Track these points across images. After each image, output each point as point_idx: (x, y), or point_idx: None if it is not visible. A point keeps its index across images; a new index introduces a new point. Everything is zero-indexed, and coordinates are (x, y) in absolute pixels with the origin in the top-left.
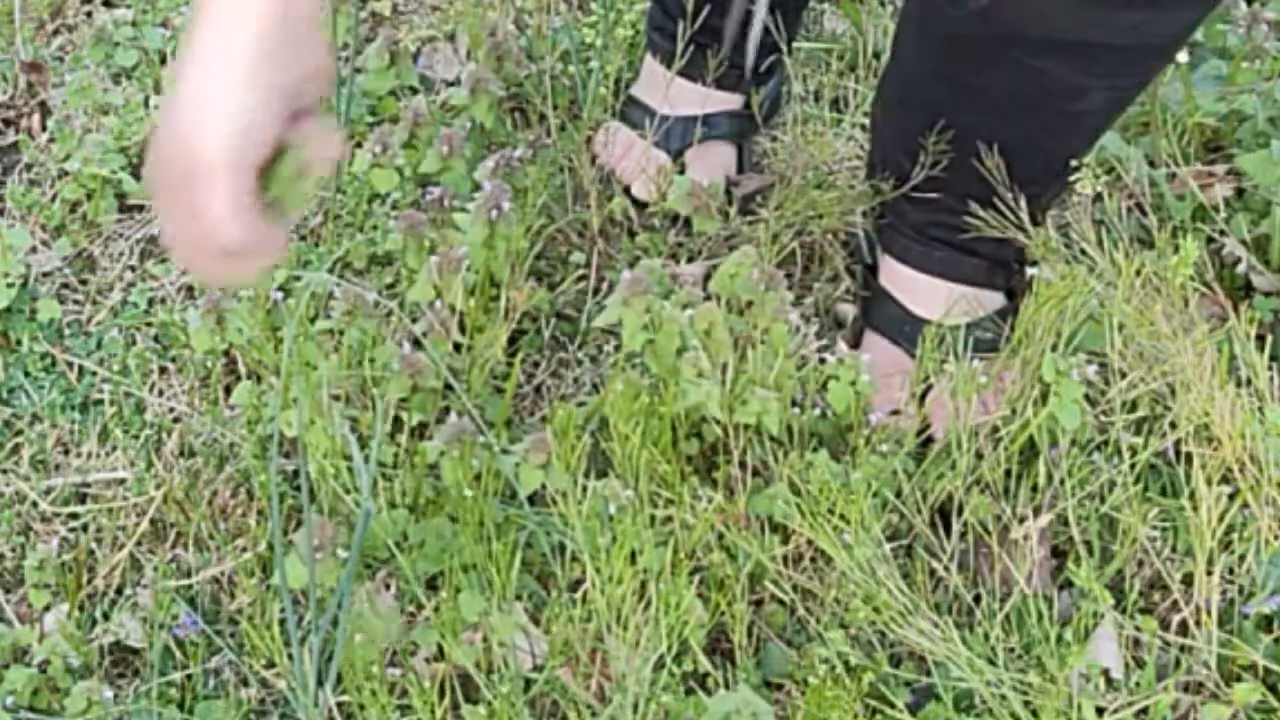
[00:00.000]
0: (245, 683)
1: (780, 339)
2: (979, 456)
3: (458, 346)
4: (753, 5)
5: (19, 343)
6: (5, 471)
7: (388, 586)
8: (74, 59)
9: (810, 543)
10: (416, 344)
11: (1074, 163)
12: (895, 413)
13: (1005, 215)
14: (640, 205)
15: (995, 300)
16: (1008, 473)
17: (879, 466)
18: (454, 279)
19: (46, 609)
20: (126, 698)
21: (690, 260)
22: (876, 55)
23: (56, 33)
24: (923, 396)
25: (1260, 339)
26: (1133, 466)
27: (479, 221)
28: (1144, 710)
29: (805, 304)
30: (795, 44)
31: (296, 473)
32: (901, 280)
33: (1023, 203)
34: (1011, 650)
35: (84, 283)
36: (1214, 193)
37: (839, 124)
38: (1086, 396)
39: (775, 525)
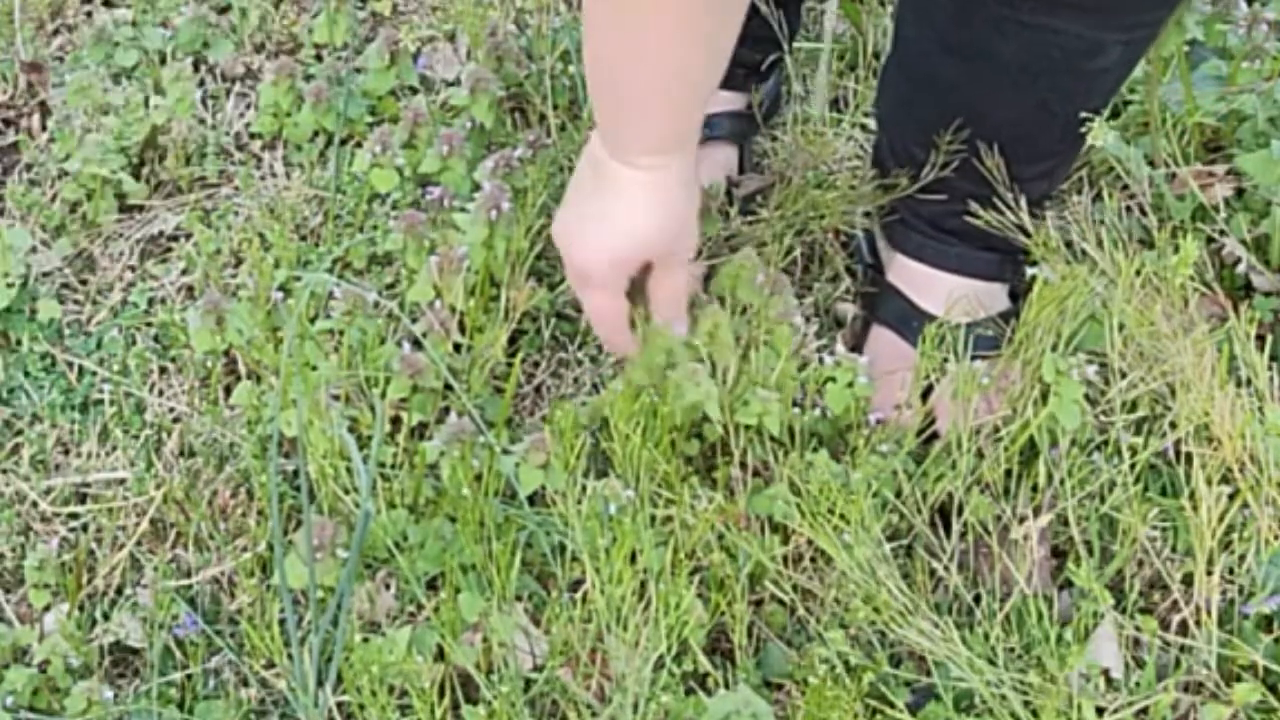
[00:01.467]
0: (245, 683)
1: (784, 341)
2: (979, 456)
3: (458, 346)
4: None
5: (19, 343)
6: (5, 471)
7: (388, 586)
8: (74, 59)
9: (810, 543)
10: (416, 344)
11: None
12: (899, 407)
13: (1019, 200)
14: None
15: (1000, 296)
16: (1008, 473)
17: (879, 466)
18: (454, 279)
19: (46, 609)
20: (126, 698)
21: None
22: (876, 55)
23: (56, 33)
24: (926, 393)
25: (1260, 339)
26: (1133, 466)
27: (479, 221)
28: (1144, 710)
29: (805, 304)
30: (795, 44)
31: (296, 473)
32: (914, 277)
33: (1037, 185)
34: (1011, 650)
35: (84, 283)
36: (1214, 193)
37: (839, 124)
38: (1086, 396)
39: (775, 525)
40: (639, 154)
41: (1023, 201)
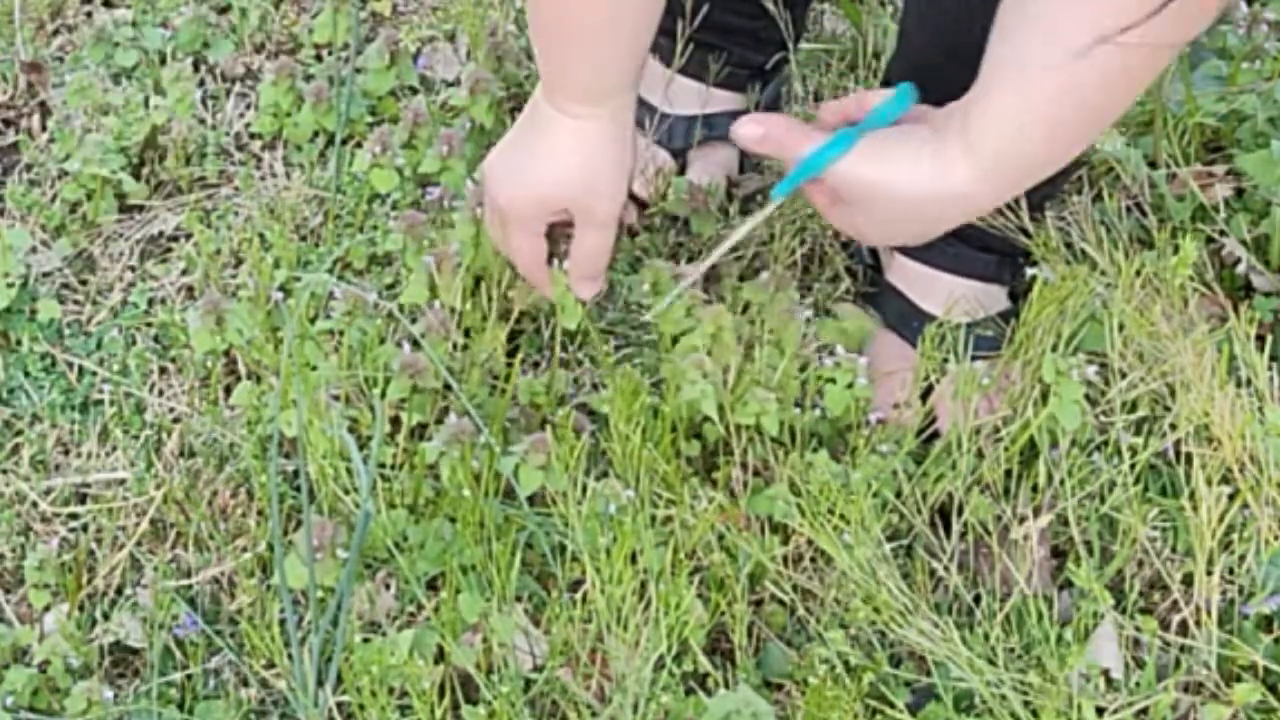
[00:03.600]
0: (245, 683)
1: (791, 339)
2: (979, 456)
3: (455, 346)
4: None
5: (19, 343)
6: (5, 471)
7: (388, 587)
8: (74, 59)
9: (810, 543)
10: (416, 344)
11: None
12: (898, 406)
13: (1016, 206)
14: (641, 205)
15: (1000, 297)
16: (1008, 473)
17: (879, 466)
18: (451, 278)
19: (46, 609)
20: (126, 698)
21: (690, 260)
22: (876, 55)
23: (56, 33)
24: (926, 393)
25: (1260, 339)
26: (1133, 466)
27: (466, 220)
28: (1144, 710)
29: (805, 304)
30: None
31: (296, 473)
32: (912, 277)
33: (1035, 193)
34: (1011, 650)
35: (84, 283)
36: (1214, 193)
37: None
38: (1086, 396)
39: (775, 525)
40: (571, 101)
41: (1022, 202)
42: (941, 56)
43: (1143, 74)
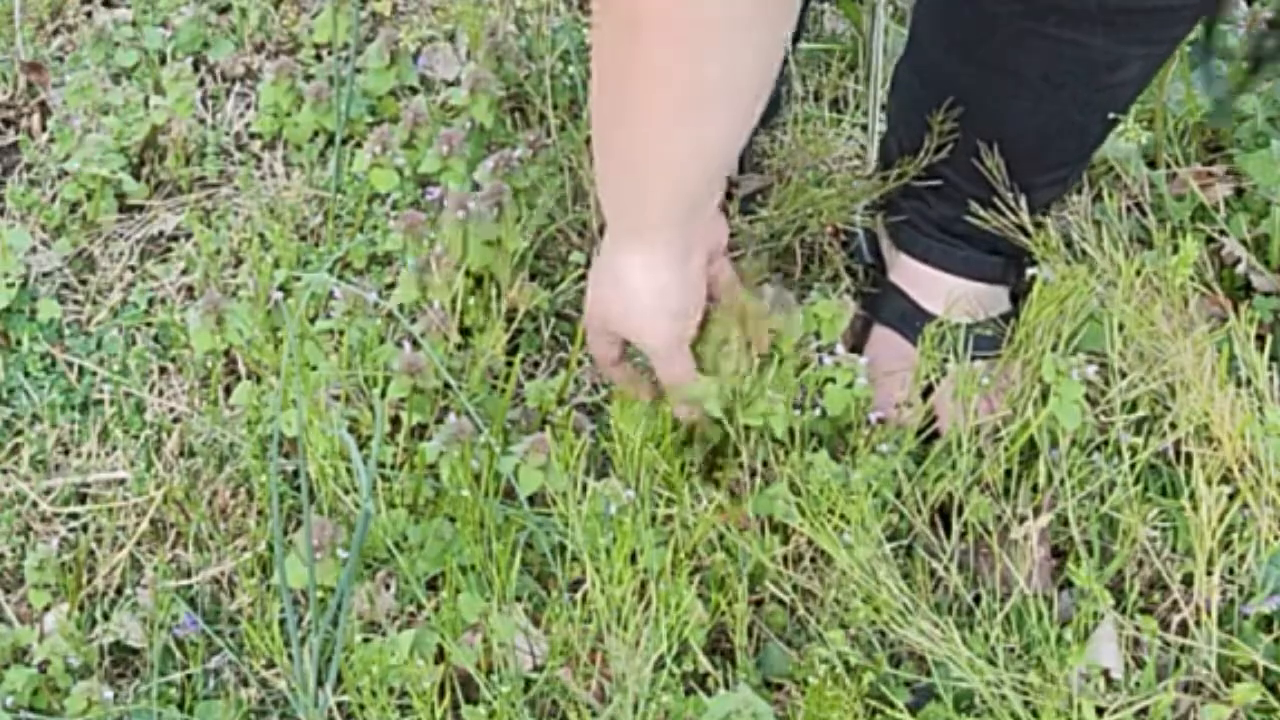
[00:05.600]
0: (245, 683)
1: (787, 344)
2: (979, 456)
3: (459, 346)
4: None
5: (19, 343)
6: (5, 471)
7: (388, 587)
8: (74, 59)
9: (810, 543)
10: (416, 344)
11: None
12: (899, 406)
13: (1029, 201)
14: None
15: (1002, 298)
16: (1008, 473)
17: (879, 466)
18: (437, 278)
19: (46, 609)
20: (126, 698)
21: None
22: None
23: (56, 33)
24: (926, 392)
25: (1260, 339)
26: (1133, 466)
27: (451, 223)
28: (1144, 710)
29: (805, 304)
30: (795, 44)
31: (296, 473)
32: (919, 278)
33: (1049, 191)
34: (1011, 650)
35: (84, 283)
36: (1214, 193)
37: (839, 124)
38: (1086, 396)
39: (775, 525)
40: (616, 232)
41: (1034, 203)
42: (958, 63)
43: None
